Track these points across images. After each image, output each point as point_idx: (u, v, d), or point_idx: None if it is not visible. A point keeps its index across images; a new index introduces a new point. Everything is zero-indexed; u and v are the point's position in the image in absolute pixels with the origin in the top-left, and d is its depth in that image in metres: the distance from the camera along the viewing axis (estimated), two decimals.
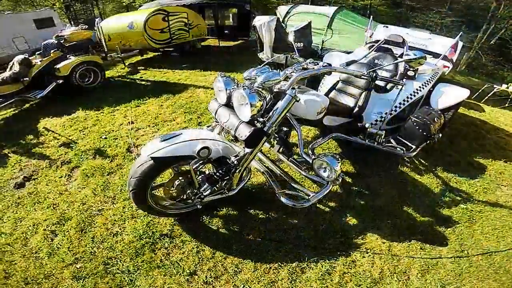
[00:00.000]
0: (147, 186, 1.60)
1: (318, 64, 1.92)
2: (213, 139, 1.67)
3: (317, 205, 2.26)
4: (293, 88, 1.96)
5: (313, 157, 1.85)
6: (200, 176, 1.84)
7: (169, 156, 1.49)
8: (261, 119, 1.66)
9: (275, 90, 1.77)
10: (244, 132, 1.53)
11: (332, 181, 1.82)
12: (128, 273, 1.60)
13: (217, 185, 1.83)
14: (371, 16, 4.62)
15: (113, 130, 3.52)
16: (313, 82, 3.44)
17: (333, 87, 2.98)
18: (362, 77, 1.89)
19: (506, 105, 5.27)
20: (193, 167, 1.63)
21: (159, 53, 8.50)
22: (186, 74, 6.20)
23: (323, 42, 6.98)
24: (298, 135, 1.91)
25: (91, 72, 5.31)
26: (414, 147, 2.53)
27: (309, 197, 1.87)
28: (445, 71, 4.67)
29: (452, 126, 3.94)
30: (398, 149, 2.52)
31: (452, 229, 2.16)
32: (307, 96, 1.92)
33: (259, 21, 4.88)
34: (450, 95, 2.89)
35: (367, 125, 2.44)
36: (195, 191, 1.73)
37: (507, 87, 5.44)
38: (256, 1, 15.25)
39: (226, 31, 10.81)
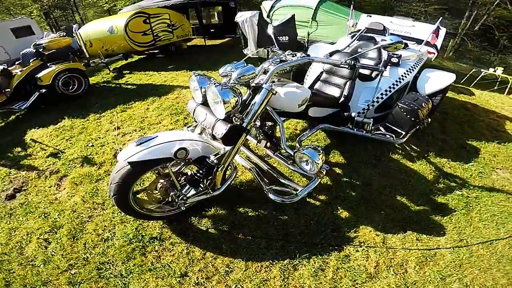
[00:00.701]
0: (127, 191, 1.58)
1: (296, 55, 1.90)
2: (192, 139, 1.64)
3: (308, 199, 2.19)
4: (273, 82, 1.94)
5: (295, 150, 1.80)
6: (182, 178, 1.82)
7: (145, 159, 1.47)
8: (239, 115, 1.66)
9: (252, 84, 1.76)
10: (221, 130, 1.51)
11: (316, 174, 1.76)
12: (121, 277, 1.61)
13: (200, 186, 1.79)
14: (352, 6, 4.56)
15: (99, 137, 3.45)
16: (298, 74, 3.36)
17: (317, 78, 2.91)
18: (341, 65, 1.83)
19: (495, 88, 5.27)
20: (175, 169, 1.64)
21: (144, 56, 8.34)
22: (172, 76, 6.07)
23: (308, 34, 6.93)
24: (280, 129, 1.88)
25: (74, 80, 5.14)
26: (403, 133, 2.49)
27: (297, 192, 1.85)
28: (431, 57, 4.66)
29: (443, 111, 3.90)
30: (387, 136, 2.47)
31: (449, 218, 2.08)
32: (286, 88, 1.87)
33: (241, 16, 4.79)
34: (436, 80, 2.84)
35: (354, 114, 2.39)
36: (178, 193, 1.69)
37: (494, 71, 5.45)
38: None
39: (212, 30, 10.70)
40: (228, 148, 1.68)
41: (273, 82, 1.96)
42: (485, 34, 12.59)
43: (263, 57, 4.75)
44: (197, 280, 1.60)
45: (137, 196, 1.80)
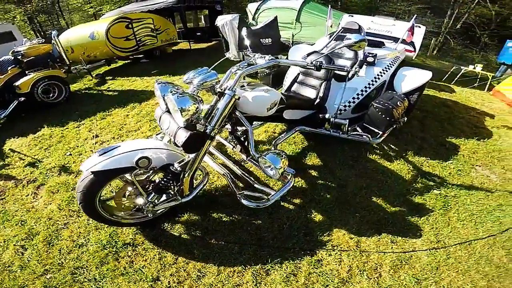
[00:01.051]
0: (93, 199, 1.62)
1: (264, 58, 1.89)
2: (156, 148, 1.66)
3: (282, 203, 2.15)
4: (242, 86, 1.93)
5: (258, 155, 1.77)
6: (151, 185, 1.80)
7: (106, 169, 1.51)
8: (202, 122, 1.66)
9: (218, 90, 1.74)
10: (181, 137, 1.50)
11: (281, 179, 1.76)
12: (95, 281, 1.65)
13: (167, 193, 1.79)
14: (329, 6, 4.57)
15: (77, 146, 3.41)
16: (279, 77, 3.33)
17: (294, 80, 2.88)
18: (308, 66, 1.81)
19: (476, 85, 5.34)
20: (143, 177, 1.69)
21: (128, 61, 8.21)
22: (154, 81, 5.96)
23: (293, 35, 6.95)
24: (249, 134, 1.84)
25: (55, 87, 5.02)
26: (380, 133, 2.46)
27: (269, 197, 1.82)
28: (411, 56, 4.69)
29: (423, 109, 3.91)
30: (364, 136, 2.45)
31: (426, 218, 2.04)
32: (255, 92, 1.85)
33: (222, 20, 4.74)
34: (412, 78, 2.84)
35: (328, 116, 2.37)
36: (145, 200, 1.70)
37: (474, 68, 5.53)
38: (229, 0, 15.19)
39: (198, 33, 10.62)
40: (191, 155, 1.67)
41: (242, 86, 1.96)
42: (467, 32, 12.90)
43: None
44: (168, 284, 1.62)
45: (107, 203, 1.84)
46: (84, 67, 6.53)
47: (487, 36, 12.76)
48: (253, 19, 8.03)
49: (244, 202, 1.81)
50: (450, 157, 2.80)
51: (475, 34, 12.67)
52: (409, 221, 2.02)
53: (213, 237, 1.88)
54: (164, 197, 1.79)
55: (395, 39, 3.51)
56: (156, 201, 1.72)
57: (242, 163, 2.57)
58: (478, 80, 5.38)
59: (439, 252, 1.80)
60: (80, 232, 1.97)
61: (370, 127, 2.51)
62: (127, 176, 1.69)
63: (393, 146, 2.90)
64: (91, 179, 1.54)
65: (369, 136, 2.44)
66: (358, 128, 2.58)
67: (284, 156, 1.68)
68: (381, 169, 2.56)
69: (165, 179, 1.68)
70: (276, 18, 5.73)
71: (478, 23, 12.39)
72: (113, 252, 1.79)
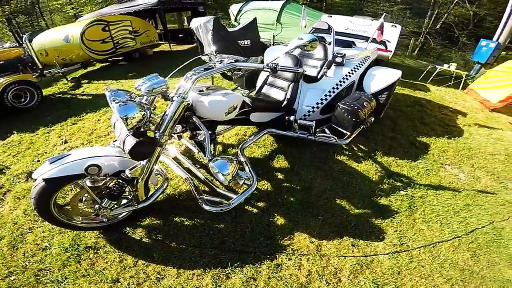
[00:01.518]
0: (47, 205, 1.67)
1: (223, 62, 1.89)
2: (108, 155, 1.69)
3: (246, 207, 2.12)
4: (201, 91, 1.95)
5: (208, 162, 1.74)
6: (105, 191, 1.82)
7: (56, 176, 1.55)
8: (150, 128, 1.67)
9: (170, 96, 1.72)
10: (128, 145, 1.49)
11: (230, 185, 1.73)
12: (58, 282, 1.69)
13: (122, 199, 1.82)
14: (303, 6, 4.55)
15: (46, 152, 3.32)
16: (253, 78, 3.29)
17: (264, 82, 2.83)
18: (264, 69, 1.79)
19: (450, 83, 5.44)
20: (100, 183, 1.74)
21: (107, 63, 8.02)
22: (130, 84, 5.82)
23: (274, 36, 6.93)
24: (206, 139, 1.79)
25: (26, 92, 4.83)
26: (348, 134, 2.44)
27: (230, 201, 1.82)
28: (388, 56, 4.73)
29: (397, 108, 3.94)
30: (331, 138, 2.42)
31: (390, 220, 2.01)
32: (212, 97, 1.85)
33: (196, 22, 4.64)
34: (381, 78, 2.84)
35: (293, 118, 2.35)
36: (99, 206, 1.74)
37: (449, 67, 5.64)
38: (214, 2, 15.08)
39: (181, 35, 10.49)
40: (143, 162, 1.66)
41: (201, 91, 1.95)
42: (446, 32, 13.25)
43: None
44: (128, 285, 1.65)
45: (65, 208, 1.88)
46: (58, 70, 6.33)
47: (465, 36, 13.15)
48: (236, 20, 7.98)
49: (205, 207, 1.79)
50: (419, 156, 2.81)
51: (454, 34, 13.03)
52: (373, 223, 1.98)
53: (173, 241, 1.89)
54: (121, 202, 1.81)
55: (368, 39, 3.52)
56: (110, 206, 1.74)
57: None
58: (453, 78, 5.48)
59: (401, 256, 1.77)
60: (44, 236, 2.00)
61: (339, 128, 2.48)
62: (80, 182, 1.70)
63: (362, 147, 2.88)
64: (43, 186, 1.58)
65: (335, 137, 2.41)
66: (326, 130, 2.56)
67: (233, 162, 1.64)
68: (348, 170, 2.52)
69: (116, 186, 1.69)
70: (255, 19, 5.69)
71: (457, 23, 12.77)
72: (75, 255, 1.84)
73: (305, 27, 3.96)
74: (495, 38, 6.04)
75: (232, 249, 1.82)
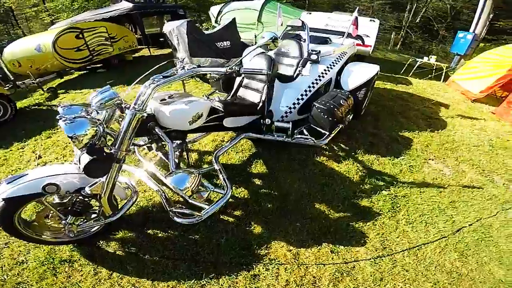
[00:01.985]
0: (11, 223, 1.67)
1: (184, 68, 1.78)
2: (67, 173, 1.65)
3: (221, 216, 2.02)
4: (164, 99, 1.85)
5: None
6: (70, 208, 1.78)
7: (14, 196, 1.53)
8: (106, 144, 1.56)
9: (127, 108, 1.64)
10: (82, 163, 1.43)
11: (190, 199, 1.66)
12: None
13: (87, 214, 1.77)
14: (278, 4, 4.47)
15: (20, 168, 3.15)
16: (231, 81, 3.17)
17: (240, 85, 2.71)
18: (227, 72, 1.68)
19: (431, 76, 5.46)
20: (66, 199, 1.70)
21: (85, 71, 7.75)
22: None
23: (255, 36, 6.83)
24: (169, 150, 1.68)
25: None
26: (327, 133, 2.34)
27: (202, 212, 1.73)
28: (368, 51, 4.69)
29: (378, 103, 3.89)
30: (309, 139, 2.32)
31: (372, 223, 1.92)
32: (173, 106, 1.77)
33: (169, 26, 4.49)
34: (358, 74, 2.76)
35: (272, 119, 2.23)
36: (65, 222, 1.69)
37: (429, 59, 5.66)
38: (197, 4, 14.87)
39: (162, 39, 10.28)
40: (102, 179, 1.58)
41: (163, 99, 1.86)
42: (426, 26, 13.48)
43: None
44: None
45: (33, 224, 1.88)
46: (33, 81, 6.04)
47: (444, 29, 13.42)
48: (216, 22, 7.86)
49: (177, 219, 1.72)
50: (402, 152, 2.74)
51: (433, 27, 13.28)
52: (353, 227, 1.88)
53: (147, 253, 1.84)
54: (90, 216, 1.77)
55: (348, 35, 3.45)
56: (76, 222, 1.69)
57: None
58: (434, 71, 5.50)
59: (384, 261, 1.68)
60: (20, 251, 2.00)
61: (317, 129, 2.39)
62: (42, 200, 1.70)
63: (343, 146, 2.79)
64: (2, 205, 1.58)
65: (313, 139, 2.31)
66: (305, 131, 2.46)
67: (194, 174, 1.52)
68: (327, 172, 2.42)
69: (78, 202, 1.67)
70: (234, 20, 5.58)
71: (435, 17, 13.02)
72: (51, 268, 1.84)
73: (281, 25, 3.87)
74: (471, 29, 6.14)
75: (206, 260, 1.74)
